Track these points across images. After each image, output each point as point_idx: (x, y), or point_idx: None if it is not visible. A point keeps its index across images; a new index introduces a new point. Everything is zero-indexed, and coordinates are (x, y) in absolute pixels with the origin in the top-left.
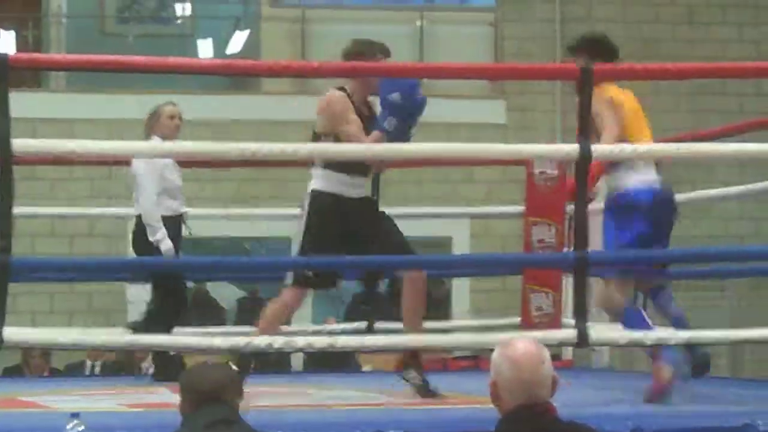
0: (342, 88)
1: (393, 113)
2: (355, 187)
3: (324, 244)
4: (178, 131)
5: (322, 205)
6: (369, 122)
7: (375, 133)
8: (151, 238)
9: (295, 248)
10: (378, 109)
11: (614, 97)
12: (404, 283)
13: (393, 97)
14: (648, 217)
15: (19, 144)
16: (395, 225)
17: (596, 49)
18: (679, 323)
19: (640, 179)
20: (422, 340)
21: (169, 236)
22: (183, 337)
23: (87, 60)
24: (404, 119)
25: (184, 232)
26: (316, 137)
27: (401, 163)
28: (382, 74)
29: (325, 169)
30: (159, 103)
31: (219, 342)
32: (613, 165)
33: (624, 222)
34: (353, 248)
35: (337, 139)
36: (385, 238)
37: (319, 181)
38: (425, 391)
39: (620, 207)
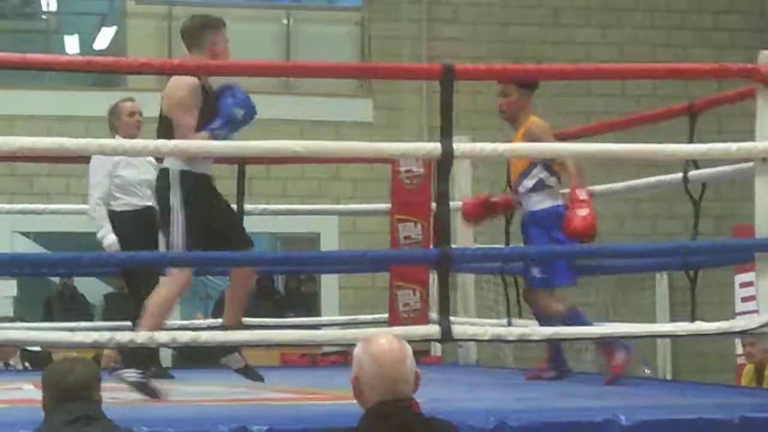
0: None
1: (228, 125)
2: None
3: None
4: (139, 127)
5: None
6: (208, 109)
7: (203, 134)
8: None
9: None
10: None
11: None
12: (232, 278)
13: (235, 112)
14: None
15: None
16: None
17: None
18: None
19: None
20: (290, 335)
21: (127, 231)
22: (48, 332)
23: None
24: (232, 131)
25: None
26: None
27: (265, 160)
28: (246, 73)
29: None
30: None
31: (81, 337)
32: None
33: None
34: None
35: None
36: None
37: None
38: (144, 388)
39: None
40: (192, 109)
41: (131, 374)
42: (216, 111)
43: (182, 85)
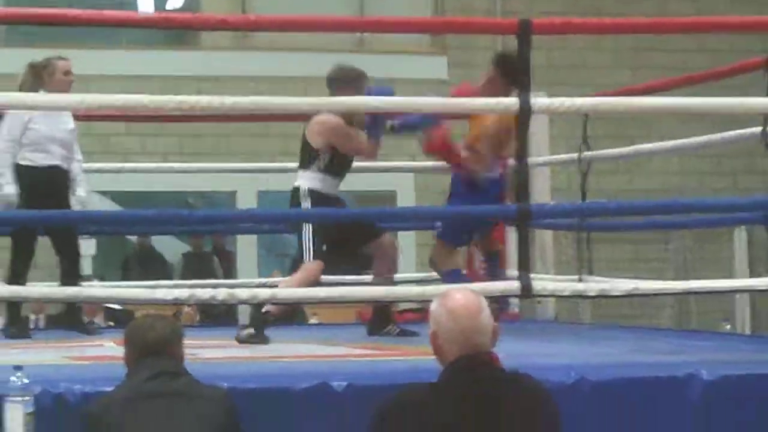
0: None
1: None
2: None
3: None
4: (70, 87)
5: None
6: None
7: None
8: None
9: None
10: None
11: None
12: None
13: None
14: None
15: None
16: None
17: (504, 67)
18: None
19: None
20: (368, 291)
21: (29, 187)
22: (129, 289)
23: (23, 13)
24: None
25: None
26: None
27: None
28: (320, 29)
29: (318, 172)
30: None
31: (162, 294)
32: None
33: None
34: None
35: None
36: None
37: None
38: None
39: None
40: (349, 131)
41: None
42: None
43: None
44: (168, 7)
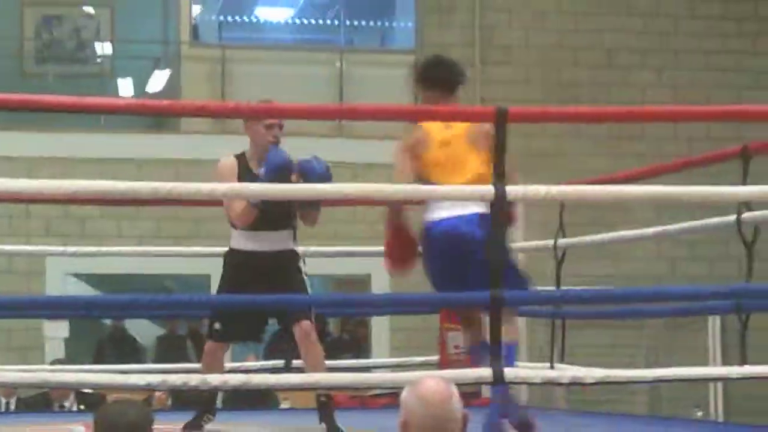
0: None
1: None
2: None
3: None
4: None
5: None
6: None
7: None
8: None
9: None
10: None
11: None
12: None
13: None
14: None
15: None
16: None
17: (425, 79)
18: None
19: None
20: (340, 378)
21: None
22: (101, 374)
23: (6, 99)
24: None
25: None
26: None
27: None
28: (299, 116)
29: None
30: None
31: (135, 379)
32: None
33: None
34: None
35: None
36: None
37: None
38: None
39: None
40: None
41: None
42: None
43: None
44: (149, 89)
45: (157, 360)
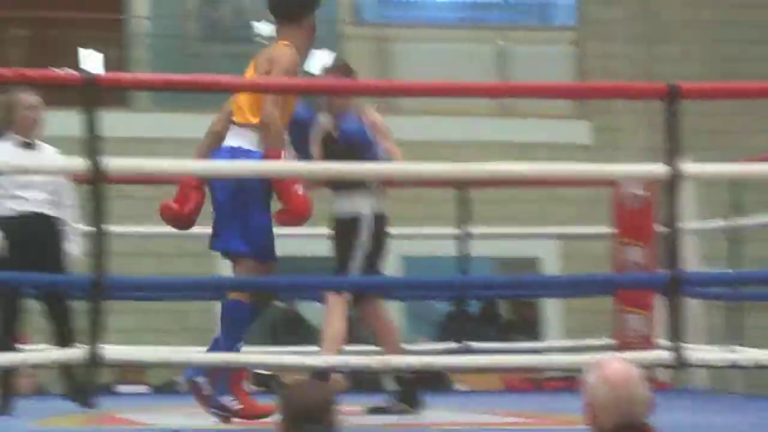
0: None
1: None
2: None
3: None
4: (36, 123)
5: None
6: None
7: None
8: None
9: None
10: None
11: None
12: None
13: None
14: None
15: (110, 163)
16: None
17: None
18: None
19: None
20: (517, 360)
21: (7, 238)
22: (278, 355)
23: (171, 80)
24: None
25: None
26: None
27: (486, 184)
28: (462, 94)
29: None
30: None
31: (315, 361)
32: None
33: None
34: None
35: None
36: None
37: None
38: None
39: None
40: None
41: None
42: None
43: None
44: (309, 70)
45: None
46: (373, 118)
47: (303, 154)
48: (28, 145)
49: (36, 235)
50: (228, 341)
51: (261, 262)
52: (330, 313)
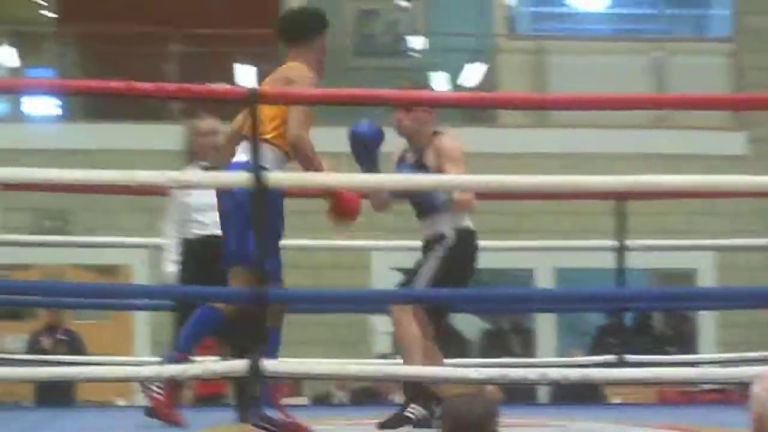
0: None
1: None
2: None
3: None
4: (212, 149)
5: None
6: None
7: None
8: None
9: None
10: None
11: None
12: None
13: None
14: None
15: (275, 177)
16: None
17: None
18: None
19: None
20: (669, 373)
21: (187, 260)
22: (436, 368)
23: (329, 94)
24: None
25: None
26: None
27: (642, 195)
28: (617, 106)
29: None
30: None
31: (474, 374)
32: None
33: None
34: None
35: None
36: None
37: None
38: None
39: None
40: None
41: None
42: None
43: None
44: (462, 83)
45: (482, 354)
46: (441, 145)
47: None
48: (209, 169)
49: (214, 258)
50: (185, 345)
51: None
52: (398, 327)
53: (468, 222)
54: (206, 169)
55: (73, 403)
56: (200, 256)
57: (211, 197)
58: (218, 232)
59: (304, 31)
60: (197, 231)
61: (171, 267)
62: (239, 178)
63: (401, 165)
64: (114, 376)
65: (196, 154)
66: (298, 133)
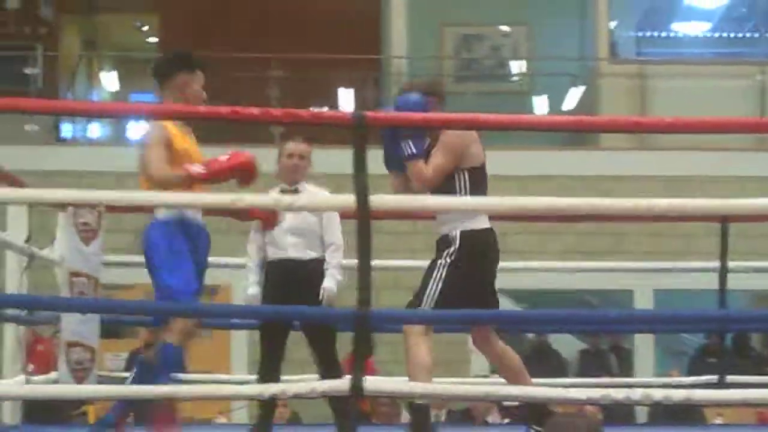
0: None
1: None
2: None
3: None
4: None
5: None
6: None
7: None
8: None
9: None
10: None
11: None
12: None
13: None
14: None
15: (377, 200)
16: None
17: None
18: None
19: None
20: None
21: (269, 283)
22: (539, 388)
23: (434, 118)
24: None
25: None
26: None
27: (744, 218)
28: (720, 130)
29: None
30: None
31: (577, 394)
32: None
33: None
34: None
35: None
36: None
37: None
38: None
39: None
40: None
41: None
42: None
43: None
44: (564, 107)
45: (580, 374)
46: (443, 134)
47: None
48: (291, 191)
49: (293, 281)
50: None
51: None
52: (408, 348)
53: (481, 222)
54: (283, 191)
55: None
56: (279, 279)
57: (292, 219)
58: (297, 255)
59: (165, 69)
60: (279, 254)
61: (253, 289)
62: (344, 200)
63: None
64: (216, 394)
65: (278, 175)
66: (156, 169)
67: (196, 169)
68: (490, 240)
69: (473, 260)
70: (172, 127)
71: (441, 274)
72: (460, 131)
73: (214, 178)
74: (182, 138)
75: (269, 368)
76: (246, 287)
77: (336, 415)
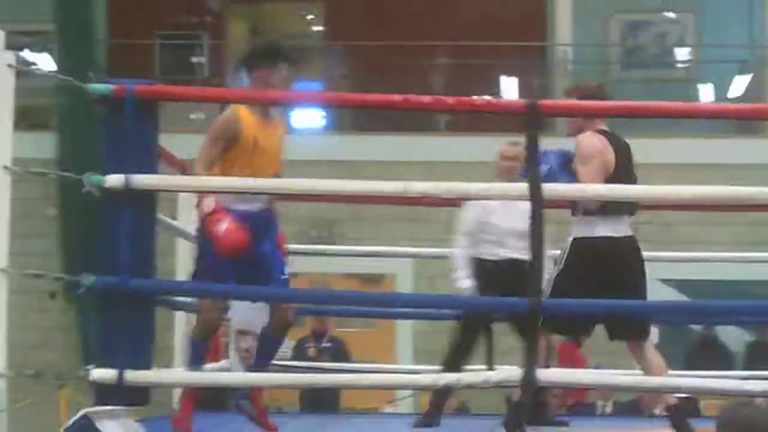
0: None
1: None
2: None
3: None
4: (507, 172)
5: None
6: None
7: None
8: None
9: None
10: None
11: None
12: None
13: None
14: None
15: (550, 188)
16: None
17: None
18: None
19: None
20: None
21: (483, 279)
22: (714, 380)
23: (600, 106)
24: None
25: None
26: None
27: None
28: None
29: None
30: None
31: (750, 386)
32: None
33: None
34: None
35: None
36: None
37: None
38: None
39: None
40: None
41: None
42: None
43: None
44: (730, 94)
45: (747, 367)
46: (577, 142)
47: None
48: None
49: (511, 279)
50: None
51: None
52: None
53: (602, 230)
54: None
55: (338, 410)
56: (497, 279)
57: (519, 222)
58: (520, 256)
59: (250, 61)
60: (502, 253)
61: (466, 283)
62: (517, 189)
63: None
64: (386, 383)
65: (497, 175)
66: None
67: (208, 205)
68: (606, 249)
69: (580, 269)
70: (245, 115)
71: (552, 284)
72: (590, 140)
73: (209, 227)
74: (257, 127)
75: (459, 359)
76: (455, 280)
77: (509, 408)
